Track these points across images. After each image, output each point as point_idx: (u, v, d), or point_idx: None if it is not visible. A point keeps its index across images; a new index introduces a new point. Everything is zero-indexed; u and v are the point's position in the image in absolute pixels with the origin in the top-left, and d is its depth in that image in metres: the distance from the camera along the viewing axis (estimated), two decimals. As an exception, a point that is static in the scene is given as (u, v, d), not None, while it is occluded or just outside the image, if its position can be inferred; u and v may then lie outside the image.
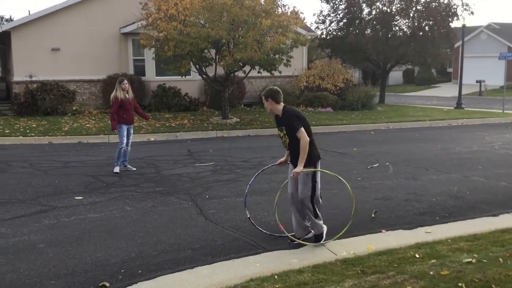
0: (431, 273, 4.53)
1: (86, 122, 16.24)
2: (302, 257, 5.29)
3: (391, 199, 7.70)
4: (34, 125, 15.35)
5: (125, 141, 9.55)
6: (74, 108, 18.38)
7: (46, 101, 17.61)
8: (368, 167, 10.16)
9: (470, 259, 4.84)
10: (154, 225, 6.41)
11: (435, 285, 4.26)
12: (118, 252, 5.46)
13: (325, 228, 5.80)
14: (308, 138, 5.49)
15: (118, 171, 9.45)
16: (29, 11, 28.47)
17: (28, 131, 14.32)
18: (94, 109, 19.03)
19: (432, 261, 4.87)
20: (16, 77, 18.34)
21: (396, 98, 30.52)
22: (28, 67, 18.21)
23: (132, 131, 9.85)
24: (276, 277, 4.64)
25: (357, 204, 7.34)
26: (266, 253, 5.48)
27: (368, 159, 11.14)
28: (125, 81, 9.54)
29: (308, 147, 5.48)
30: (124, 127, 9.54)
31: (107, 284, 4.64)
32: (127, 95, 9.49)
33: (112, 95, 9.41)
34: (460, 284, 4.23)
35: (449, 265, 4.74)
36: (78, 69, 19.11)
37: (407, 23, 25.38)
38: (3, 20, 60.50)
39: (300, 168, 5.46)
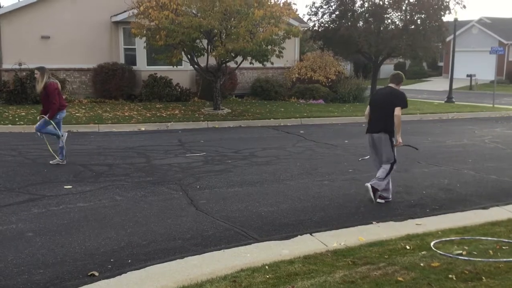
0: (422, 264, 4.54)
1: (76, 111, 16.08)
2: (293, 248, 5.27)
3: (382, 191, 7.69)
4: (23, 114, 15.17)
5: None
6: (64, 97, 18.15)
7: (36, 90, 17.39)
8: (359, 159, 10.14)
9: (460, 251, 4.86)
10: (144, 214, 6.36)
11: (426, 277, 4.26)
12: (107, 241, 5.41)
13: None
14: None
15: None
16: (18, -2, 27.83)
17: (17, 119, 14.15)
18: (85, 98, 18.85)
19: (423, 252, 4.88)
20: (5, 65, 18.10)
21: (387, 91, 30.52)
22: (18, 54, 17.93)
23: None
24: (266, 267, 4.62)
25: (348, 197, 7.38)
26: (257, 243, 5.46)
27: (360, 151, 11.12)
28: (35, 71, 9.17)
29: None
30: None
31: (96, 273, 4.60)
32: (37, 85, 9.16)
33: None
34: (450, 276, 4.24)
35: (440, 257, 4.75)
36: (68, 58, 18.88)
37: (399, 16, 25.29)
38: (-8, 7, 59.75)
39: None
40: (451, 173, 9.03)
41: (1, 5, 34.64)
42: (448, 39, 29.25)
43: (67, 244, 5.29)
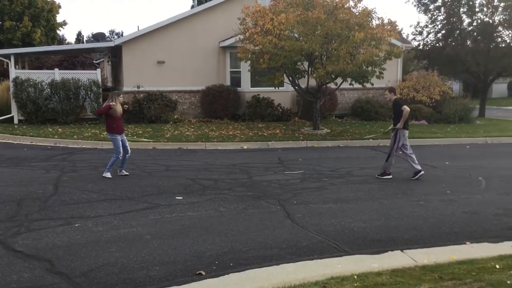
0: (508, 282, 4.63)
1: (186, 130, 17.39)
2: (383, 262, 5.56)
3: (479, 213, 7.66)
4: (140, 132, 16.73)
5: (121, 151, 10.25)
6: (175, 116, 19.71)
7: (151, 110, 19.08)
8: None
9: (552, 273, 4.86)
10: (244, 225, 6.97)
11: (510, 293, 4.38)
12: (212, 246, 6.07)
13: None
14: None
15: (109, 176, 10.01)
16: (138, 26, 30.84)
17: (135, 137, 15.66)
18: (193, 118, 20.26)
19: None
20: (126, 87, 20.02)
21: (499, 112, 29.07)
22: (136, 78, 19.84)
23: (125, 138, 10.65)
24: (355, 277, 4.97)
25: (443, 217, 7.44)
26: (348, 256, 5.82)
27: (460, 173, 10.98)
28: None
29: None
30: (119, 137, 10.32)
31: (203, 273, 5.24)
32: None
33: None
34: (535, 294, 4.32)
35: (529, 277, 4.79)
36: (180, 80, 20.48)
37: (510, 34, 24.23)
38: (114, 34, 65.60)
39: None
40: (558, 197, 8.68)
41: (123, 33, 38.01)
42: None
43: (178, 247, 6.03)
